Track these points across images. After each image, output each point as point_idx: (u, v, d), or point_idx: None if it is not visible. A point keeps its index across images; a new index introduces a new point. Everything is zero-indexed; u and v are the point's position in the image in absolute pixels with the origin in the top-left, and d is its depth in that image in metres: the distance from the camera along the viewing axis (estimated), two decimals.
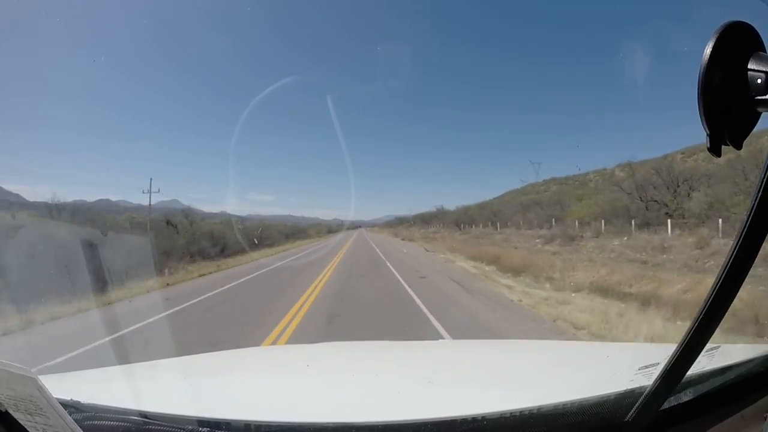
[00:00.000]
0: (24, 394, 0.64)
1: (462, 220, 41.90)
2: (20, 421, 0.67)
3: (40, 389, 0.64)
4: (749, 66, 0.48)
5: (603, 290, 8.25)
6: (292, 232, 45.59)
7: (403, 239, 37.93)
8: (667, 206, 17.39)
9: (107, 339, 5.42)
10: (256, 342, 5.32)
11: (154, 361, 1.72)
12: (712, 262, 10.64)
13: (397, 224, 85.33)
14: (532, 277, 10.63)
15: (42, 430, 0.68)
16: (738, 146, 0.52)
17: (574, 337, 5.34)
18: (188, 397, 1.09)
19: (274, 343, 5.33)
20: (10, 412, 0.66)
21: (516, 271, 11.61)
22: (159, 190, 30.94)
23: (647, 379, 0.77)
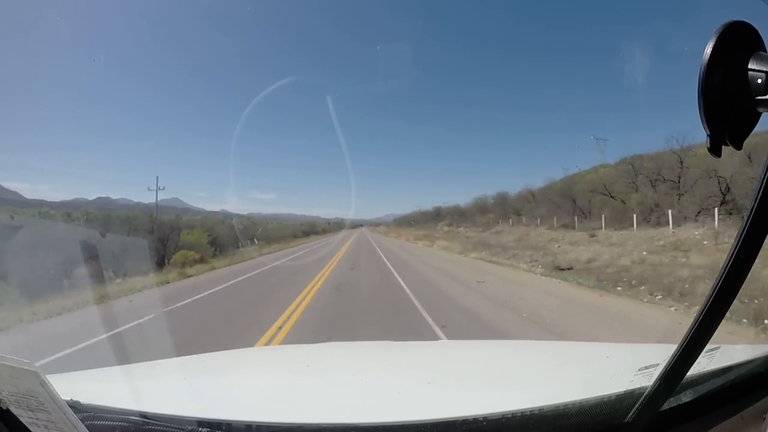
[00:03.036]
0: (26, 390, 0.63)
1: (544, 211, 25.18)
2: (21, 419, 0.66)
3: (43, 384, 0.63)
4: (749, 66, 0.48)
5: None
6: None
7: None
8: None
9: None
10: None
11: (154, 361, 1.72)
12: None
13: (407, 222, 60.78)
14: None
15: (44, 426, 0.66)
16: (738, 146, 0.51)
17: None
18: (188, 398, 1.09)
19: None
20: (11, 409, 0.65)
21: None
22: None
23: (647, 380, 0.77)
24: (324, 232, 64.36)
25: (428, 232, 37.68)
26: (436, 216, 49.64)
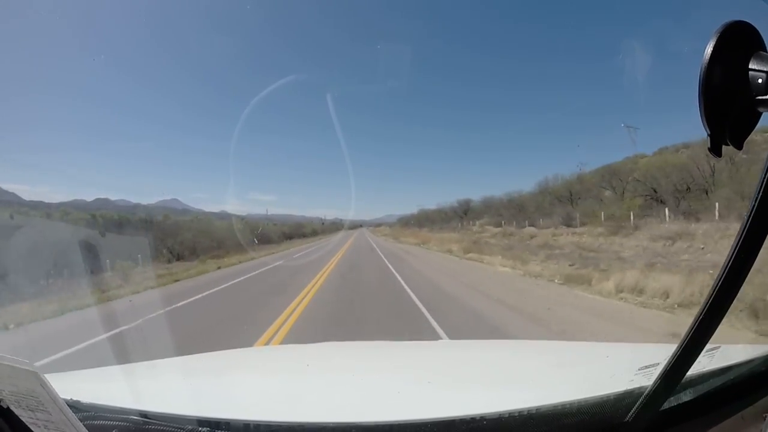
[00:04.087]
0: (26, 390, 0.64)
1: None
2: (21, 418, 0.66)
3: (43, 384, 0.64)
4: (750, 66, 0.48)
5: None
6: None
7: None
8: None
9: None
10: None
11: (154, 361, 1.72)
12: None
13: (416, 222, 48.93)
14: None
15: (44, 426, 0.67)
16: (739, 146, 0.52)
17: None
18: (188, 397, 1.09)
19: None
20: (12, 408, 0.65)
21: None
22: None
23: (647, 380, 0.77)
24: (315, 233, 49.43)
25: (464, 237, 23.01)
26: (463, 213, 34.44)
